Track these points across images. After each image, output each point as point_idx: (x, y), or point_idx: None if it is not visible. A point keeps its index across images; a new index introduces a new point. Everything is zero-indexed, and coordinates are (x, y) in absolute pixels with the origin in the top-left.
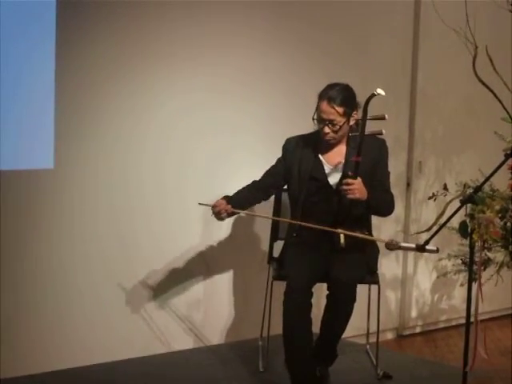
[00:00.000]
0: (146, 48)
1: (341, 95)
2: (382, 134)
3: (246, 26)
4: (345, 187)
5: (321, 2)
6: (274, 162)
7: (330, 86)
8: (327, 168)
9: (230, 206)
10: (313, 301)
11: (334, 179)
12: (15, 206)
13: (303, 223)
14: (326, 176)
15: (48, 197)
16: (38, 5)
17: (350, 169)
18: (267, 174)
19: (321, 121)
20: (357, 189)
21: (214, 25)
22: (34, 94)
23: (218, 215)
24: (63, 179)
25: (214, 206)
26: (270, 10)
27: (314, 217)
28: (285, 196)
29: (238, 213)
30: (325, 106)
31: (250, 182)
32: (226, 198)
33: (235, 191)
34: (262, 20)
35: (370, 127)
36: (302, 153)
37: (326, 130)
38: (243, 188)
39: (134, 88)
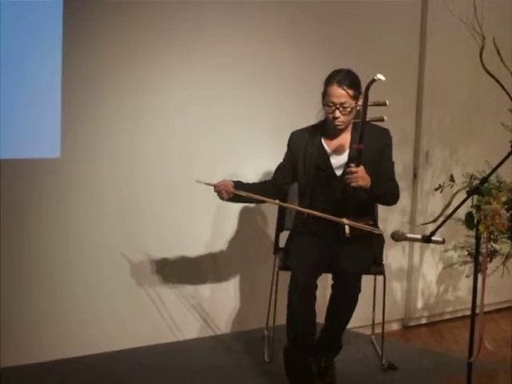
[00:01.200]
0: (155, 37)
1: (349, 78)
2: (383, 120)
3: (254, 18)
4: (348, 176)
5: None
6: (280, 154)
7: (336, 71)
8: (332, 157)
9: (231, 186)
10: (318, 290)
11: (337, 164)
12: (21, 195)
13: (311, 211)
14: (331, 165)
15: (54, 186)
16: None
17: (352, 157)
18: (277, 169)
19: (331, 105)
20: (360, 177)
21: (222, 13)
22: (41, 82)
23: (219, 194)
24: (69, 168)
25: (216, 186)
26: (278, 5)
27: (319, 205)
28: (292, 187)
29: (241, 196)
30: (335, 89)
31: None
32: (235, 181)
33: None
34: (270, 14)
35: (373, 114)
36: (306, 144)
37: (337, 113)
38: (260, 181)
39: (141, 78)
